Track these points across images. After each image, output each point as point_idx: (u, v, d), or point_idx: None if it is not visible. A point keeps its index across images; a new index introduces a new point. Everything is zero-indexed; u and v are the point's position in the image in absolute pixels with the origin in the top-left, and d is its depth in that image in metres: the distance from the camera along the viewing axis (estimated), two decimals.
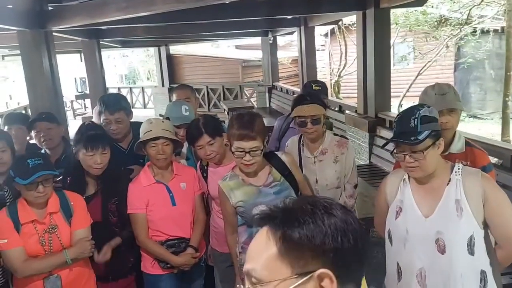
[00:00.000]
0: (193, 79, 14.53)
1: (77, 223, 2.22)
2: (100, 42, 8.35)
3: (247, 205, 2.14)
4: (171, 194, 2.41)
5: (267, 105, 11.66)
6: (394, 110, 7.54)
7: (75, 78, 14.54)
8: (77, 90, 14.34)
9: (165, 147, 2.35)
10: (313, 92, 3.13)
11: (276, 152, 2.33)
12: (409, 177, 1.82)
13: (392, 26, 9.05)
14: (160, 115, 3.06)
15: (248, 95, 13.99)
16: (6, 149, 2.51)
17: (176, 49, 15.22)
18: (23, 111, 9.40)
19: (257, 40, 13.17)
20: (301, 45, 9.15)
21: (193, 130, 2.42)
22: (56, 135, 3.11)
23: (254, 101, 13.14)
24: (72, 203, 2.24)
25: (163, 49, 14.26)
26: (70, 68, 16.27)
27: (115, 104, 2.83)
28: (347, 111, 6.79)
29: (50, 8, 4.97)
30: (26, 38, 4.70)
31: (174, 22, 6.76)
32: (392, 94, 6.13)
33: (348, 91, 14.95)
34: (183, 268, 2.41)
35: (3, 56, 11.55)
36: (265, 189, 2.16)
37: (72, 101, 14.60)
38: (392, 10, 6.04)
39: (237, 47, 18.16)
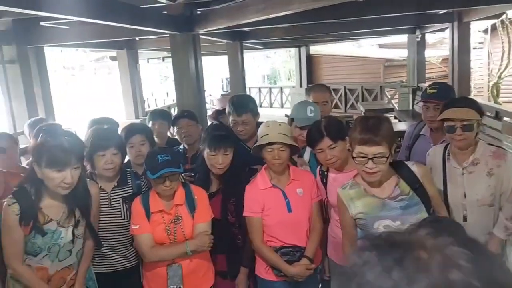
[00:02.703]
0: (331, 79, 14.35)
1: (199, 217, 2.31)
2: (243, 43, 8.79)
3: (368, 218, 1.95)
4: (287, 200, 2.33)
5: (410, 108, 10.84)
6: None
7: (221, 78, 15.69)
8: (222, 89, 15.44)
9: (281, 152, 2.27)
10: (427, 95, 2.71)
11: (406, 162, 2.07)
12: None
13: None
14: (286, 115, 3.01)
15: (389, 97, 13.24)
16: (145, 142, 2.75)
17: (316, 49, 15.22)
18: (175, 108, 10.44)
19: (403, 38, 12.35)
20: (453, 43, 8.24)
21: (314, 132, 2.31)
22: (195, 132, 3.30)
23: (395, 102, 12.38)
24: (196, 197, 2.33)
25: (303, 49, 14.40)
26: (219, 69, 17.60)
27: (242, 106, 2.87)
28: (505, 118, 5.88)
29: (198, 12, 5.38)
30: (176, 40, 5.17)
31: (312, 22, 6.71)
32: None
33: (510, 95, 13.03)
34: (297, 278, 2.32)
35: (163, 58, 13.02)
36: (390, 202, 1.94)
37: (218, 99, 15.77)
38: None
39: (380, 45, 17.30)
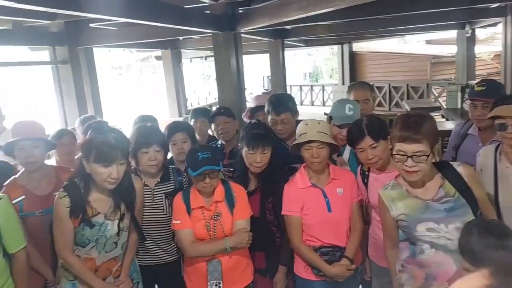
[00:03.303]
0: (375, 76, 14.06)
1: (238, 214, 2.33)
2: (285, 41, 8.77)
3: (410, 220, 1.90)
4: (327, 199, 2.30)
5: (459, 106, 10.41)
6: None
7: (263, 77, 15.75)
8: (263, 87, 15.49)
9: (319, 150, 2.24)
10: (475, 93, 2.58)
11: (451, 163, 2.00)
12: None
13: None
14: (325, 113, 2.97)
15: (437, 95, 12.78)
16: (187, 140, 2.80)
17: (359, 46, 14.95)
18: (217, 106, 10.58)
19: (452, 34, 11.88)
20: (506, 38, 7.85)
21: (354, 131, 2.26)
22: (232, 128, 3.34)
23: (442, 101, 11.94)
24: (235, 194, 2.35)
25: (345, 46, 14.20)
26: (260, 67, 17.66)
27: (281, 105, 2.84)
28: None
29: (240, 11, 5.43)
30: (218, 39, 5.25)
31: (355, 18, 6.58)
32: None
33: None
34: (336, 279, 2.29)
35: (206, 57, 13.23)
36: (434, 204, 1.88)
37: (253, 98, 15.79)
38: None
39: (427, 42, 16.72)
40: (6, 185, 2.36)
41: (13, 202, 2.22)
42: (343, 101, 2.77)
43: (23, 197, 2.35)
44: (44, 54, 6.51)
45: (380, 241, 2.21)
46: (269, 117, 2.88)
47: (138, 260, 2.48)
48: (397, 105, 13.40)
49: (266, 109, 2.94)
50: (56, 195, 2.10)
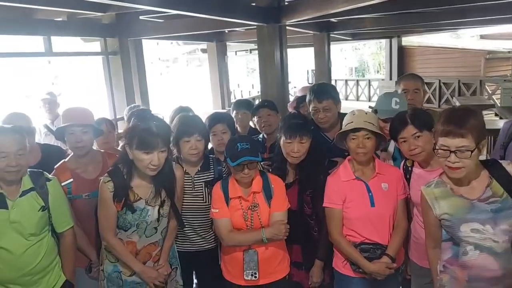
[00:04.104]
0: (424, 72, 13.52)
1: (276, 205, 2.32)
2: (330, 35, 8.61)
3: (454, 220, 1.82)
4: (370, 194, 2.24)
5: None
6: None
7: (307, 70, 15.57)
8: (308, 81, 15.31)
9: (365, 140, 2.19)
10: None
11: (500, 161, 1.89)
12: None
13: None
14: (370, 107, 2.90)
15: (490, 92, 12.15)
16: (227, 131, 2.82)
17: (409, 40, 14.47)
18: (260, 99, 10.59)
19: (509, 28, 11.23)
20: None
21: (396, 120, 2.20)
22: (274, 121, 3.33)
23: (497, 98, 11.33)
24: (273, 186, 2.35)
25: (394, 40, 13.77)
26: (305, 61, 17.47)
27: (323, 92, 2.81)
28: None
29: (286, 3, 5.38)
30: (263, 32, 5.22)
31: (405, 11, 6.35)
32: None
33: None
34: (375, 276, 2.23)
35: (250, 50, 13.25)
36: (480, 204, 1.79)
37: (300, 89, 15.63)
38: None
39: (482, 36, 15.89)
40: (56, 167, 2.49)
41: (62, 184, 2.33)
42: (389, 94, 2.69)
43: (71, 180, 2.46)
44: (95, 45, 6.77)
45: (421, 240, 2.14)
46: (311, 106, 2.85)
47: (177, 246, 2.54)
48: (447, 102, 12.88)
49: (307, 99, 2.90)
50: (101, 180, 2.19)
